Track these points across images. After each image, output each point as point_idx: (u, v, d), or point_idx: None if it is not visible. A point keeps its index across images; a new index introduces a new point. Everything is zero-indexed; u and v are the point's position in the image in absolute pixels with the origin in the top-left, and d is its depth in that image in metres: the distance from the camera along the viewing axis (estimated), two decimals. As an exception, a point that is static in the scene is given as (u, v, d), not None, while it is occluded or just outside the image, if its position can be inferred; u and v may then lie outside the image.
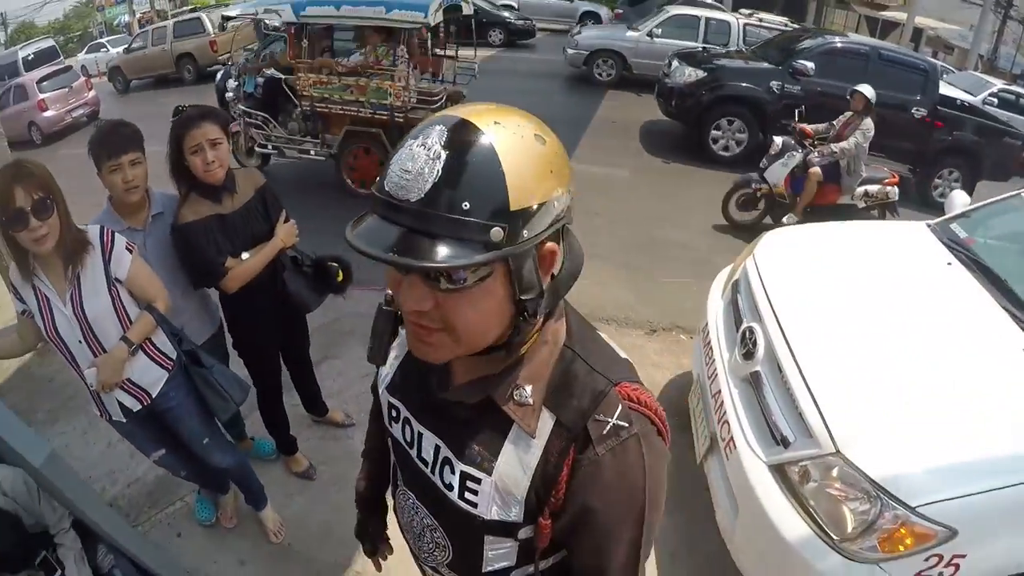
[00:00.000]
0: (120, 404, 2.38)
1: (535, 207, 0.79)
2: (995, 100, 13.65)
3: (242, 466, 2.86)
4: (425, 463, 1.07)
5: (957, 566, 2.05)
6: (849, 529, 2.13)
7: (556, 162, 0.83)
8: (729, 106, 8.98)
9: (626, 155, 9.37)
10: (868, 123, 6.45)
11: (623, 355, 1.04)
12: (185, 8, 28.48)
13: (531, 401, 0.93)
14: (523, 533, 1.01)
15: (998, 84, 14.52)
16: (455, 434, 1.01)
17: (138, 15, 32.79)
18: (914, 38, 29.25)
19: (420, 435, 1.07)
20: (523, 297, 0.85)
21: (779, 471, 2.40)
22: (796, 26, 14.65)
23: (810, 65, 8.49)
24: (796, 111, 6.97)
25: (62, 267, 2.14)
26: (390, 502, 1.38)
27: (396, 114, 6.73)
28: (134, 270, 2.28)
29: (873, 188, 6.68)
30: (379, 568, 1.69)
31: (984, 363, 2.53)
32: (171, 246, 2.58)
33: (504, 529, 1.00)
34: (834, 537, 2.15)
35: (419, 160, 0.77)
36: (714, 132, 9.07)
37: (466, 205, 0.76)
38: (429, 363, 0.95)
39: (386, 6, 6.42)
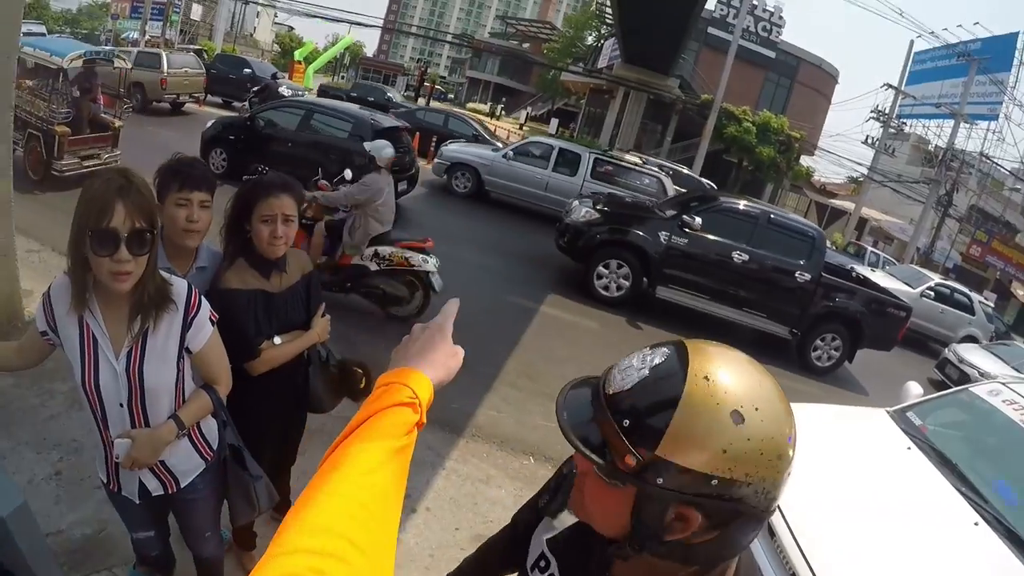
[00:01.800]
0: (141, 484, 2.08)
1: (683, 467, 0.79)
2: (932, 293, 14.39)
3: (222, 559, 2.63)
4: None
5: None
6: None
7: (740, 448, 0.79)
8: (616, 249, 9.18)
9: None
10: (369, 177, 6.11)
11: None
12: (192, 46, 30.54)
13: None
14: None
15: (935, 278, 15.37)
16: None
17: (147, 36, 34.34)
18: (859, 227, 31.58)
19: None
20: (637, 527, 0.86)
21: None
22: (643, 163, 15.78)
23: (698, 220, 8.79)
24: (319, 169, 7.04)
25: (127, 314, 1.81)
26: None
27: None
28: (211, 344, 2.00)
29: (386, 250, 6.27)
30: None
31: (942, 535, 3.00)
32: None
33: None
34: None
35: (631, 367, 0.87)
36: (602, 271, 9.23)
37: (626, 423, 0.82)
38: (598, 540, 0.98)
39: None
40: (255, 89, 19.69)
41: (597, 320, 8.71)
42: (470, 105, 49.76)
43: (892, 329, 9.31)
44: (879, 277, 13.72)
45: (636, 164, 15.03)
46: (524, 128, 40.09)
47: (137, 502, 2.13)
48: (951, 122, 28.78)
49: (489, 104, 52.76)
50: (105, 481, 2.13)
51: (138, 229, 1.65)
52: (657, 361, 0.85)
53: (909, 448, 3.67)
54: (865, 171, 30.50)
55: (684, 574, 0.92)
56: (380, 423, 0.82)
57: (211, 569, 2.58)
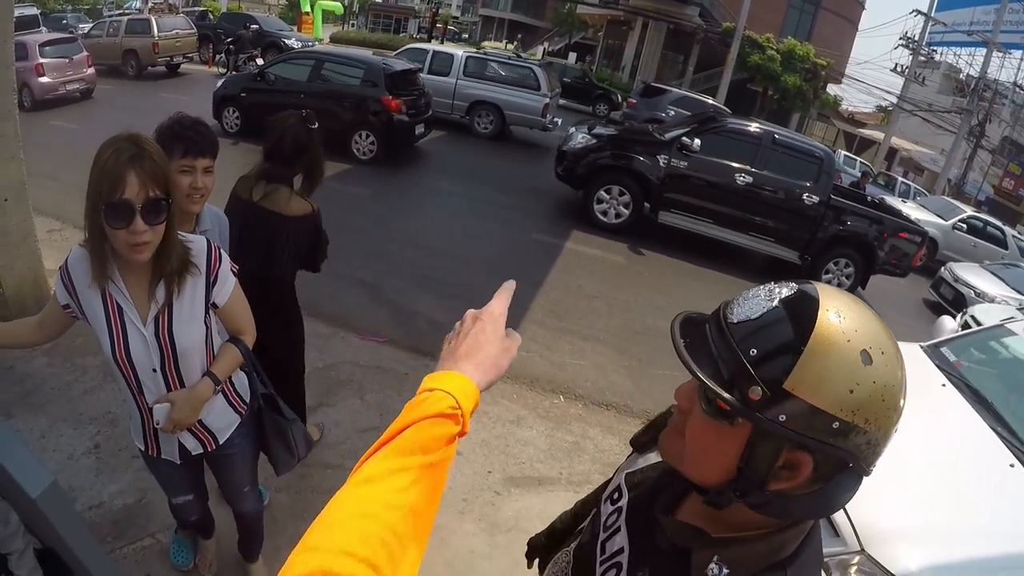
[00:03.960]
0: (180, 445, 2.10)
1: (808, 406, 0.75)
2: (964, 226, 13.93)
3: (261, 514, 2.66)
4: (602, 551, 1.07)
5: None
6: None
7: (866, 389, 0.75)
8: (614, 175, 9.12)
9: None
10: None
11: None
12: (197, 8, 30.25)
13: None
14: None
15: (968, 211, 14.95)
16: (643, 553, 0.99)
17: (150, 3, 33.72)
18: (888, 157, 30.71)
19: (618, 528, 1.06)
20: (744, 471, 0.82)
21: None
22: (520, 55, 15.94)
23: (697, 142, 8.62)
24: None
25: (149, 278, 1.79)
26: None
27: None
28: (235, 296, 1.99)
29: None
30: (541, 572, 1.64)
31: (978, 477, 2.95)
32: None
33: None
34: None
35: (758, 297, 0.83)
36: (603, 195, 9.19)
37: (754, 352, 0.78)
38: (671, 479, 1.00)
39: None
40: (229, 40, 19.88)
41: (598, 247, 8.63)
42: (485, 43, 48.69)
43: (907, 255, 8.94)
44: (910, 208, 13.34)
45: (510, 58, 15.19)
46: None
47: (178, 463, 2.14)
48: (983, 50, 27.22)
49: (504, 42, 51.72)
50: (143, 448, 2.14)
51: (153, 198, 1.61)
52: (786, 294, 0.82)
53: (944, 385, 3.56)
54: (894, 100, 29.47)
55: (762, 527, 0.87)
56: (418, 435, 0.78)
57: (251, 524, 2.65)
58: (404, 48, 16.37)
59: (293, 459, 2.40)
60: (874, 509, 2.58)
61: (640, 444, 1.18)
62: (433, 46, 16.51)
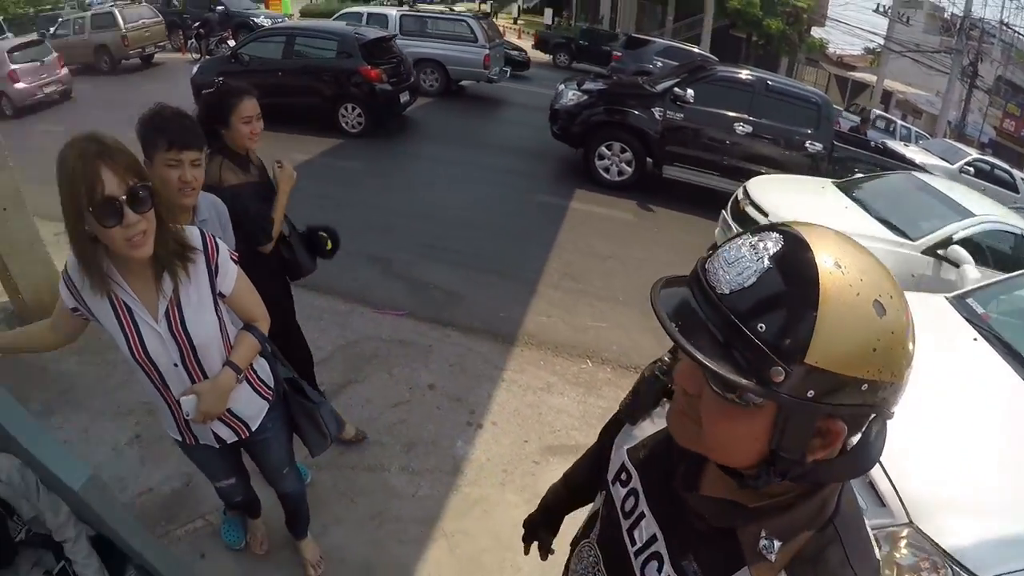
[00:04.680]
0: (215, 434, 2.14)
1: (834, 374, 0.69)
2: (971, 169, 13.79)
3: (304, 493, 2.69)
4: (632, 542, 1.00)
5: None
6: None
7: (886, 343, 0.70)
8: (611, 130, 8.93)
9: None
10: None
11: (877, 553, 0.98)
12: None
13: (774, 559, 0.81)
14: None
15: (973, 153, 14.85)
16: (681, 538, 0.92)
17: None
18: (883, 100, 30.45)
19: (642, 515, 1.00)
20: (778, 452, 0.75)
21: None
22: (452, 9, 16.28)
23: (690, 92, 8.46)
24: None
25: (152, 274, 1.76)
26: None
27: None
28: (241, 283, 1.97)
29: None
30: (543, 557, 1.62)
31: (1019, 439, 2.78)
32: None
33: None
34: None
35: (743, 259, 0.73)
36: (604, 151, 9.02)
37: (761, 327, 0.69)
38: (684, 450, 0.88)
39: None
40: (197, 25, 19.55)
41: (606, 206, 8.54)
42: (458, 6, 47.88)
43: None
44: (913, 152, 13.22)
45: (442, 12, 15.41)
46: (519, 23, 38.58)
47: (217, 447, 2.18)
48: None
49: (477, 2, 50.82)
50: (180, 439, 2.17)
51: (133, 187, 1.56)
52: (774, 249, 0.72)
53: (975, 340, 3.43)
54: (881, 41, 29.15)
55: (787, 492, 0.83)
56: None
57: (295, 504, 2.69)
58: (339, 13, 16.51)
59: (325, 440, 2.45)
60: (921, 480, 2.50)
61: (629, 414, 1.09)
62: (367, 8, 16.50)
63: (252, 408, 2.16)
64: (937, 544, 2.27)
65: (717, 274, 0.74)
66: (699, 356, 0.70)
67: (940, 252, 5.39)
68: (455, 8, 19.30)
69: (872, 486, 2.52)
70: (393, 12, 15.14)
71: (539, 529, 1.58)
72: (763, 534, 0.82)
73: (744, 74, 8.93)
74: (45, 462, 1.83)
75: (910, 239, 5.57)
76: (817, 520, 0.83)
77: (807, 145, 8.46)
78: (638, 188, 8.95)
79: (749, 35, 29.48)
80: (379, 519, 3.14)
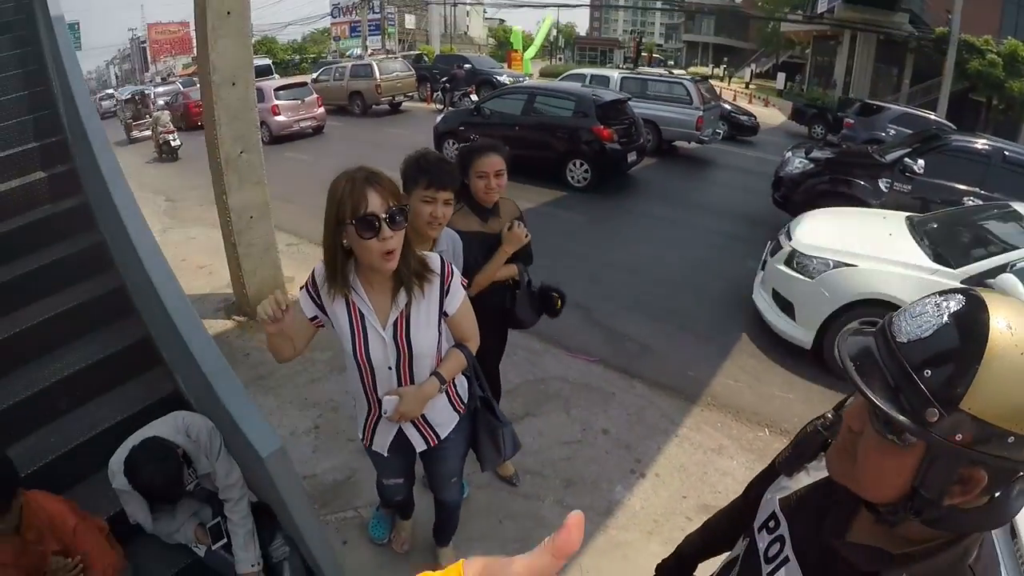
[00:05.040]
0: (395, 441, 2.34)
1: (984, 424, 0.75)
2: None
3: (459, 504, 2.88)
4: None
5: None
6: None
7: None
8: (833, 200, 8.30)
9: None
10: None
11: None
12: (412, 52, 33.34)
13: None
14: None
15: None
16: None
17: (370, 50, 38.76)
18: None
19: (786, 560, 1.06)
20: (918, 490, 0.82)
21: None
22: (671, 72, 16.02)
23: (920, 163, 8.00)
24: None
25: (391, 288, 2.02)
26: None
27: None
28: (464, 307, 2.18)
29: None
30: None
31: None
32: None
33: None
34: None
35: (927, 313, 0.82)
36: None
37: (927, 373, 0.78)
38: (836, 500, 1.00)
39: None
40: (444, 80, 21.59)
41: None
42: (691, 69, 48.08)
43: None
44: None
45: (661, 74, 15.52)
46: (750, 87, 38.08)
47: (385, 455, 2.40)
48: None
49: (711, 66, 50.82)
50: (360, 437, 2.44)
51: (394, 208, 1.81)
52: (955, 308, 0.80)
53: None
54: None
55: (932, 540, 0.88)
56: None
57: (450, 512, 2.89)
58: (566, 74, 17.51)
59: (499, 458, 2.57)
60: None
61: (787, 465, 1.17)
62: (591, 70, 17.58)
63: (443, 417, 2.36)
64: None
65: (900, 326, 0.83)
66: (868, 393, 0.81)
67: (988, 281, 4.91)
68: (674, 71, 19.68)
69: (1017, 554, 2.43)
70: (615, 74, 15.74)
71: (671, 574, 1.65)
72: None
73: (980, 144, 8.29)
74: (243, 427, 2.17)
75: (951, 268, 5.14)
76: (958, 568, 0.88)
77: None
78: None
79: (989, 99, 26.72)
80: (521, 543, 3.26)
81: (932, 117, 18.05)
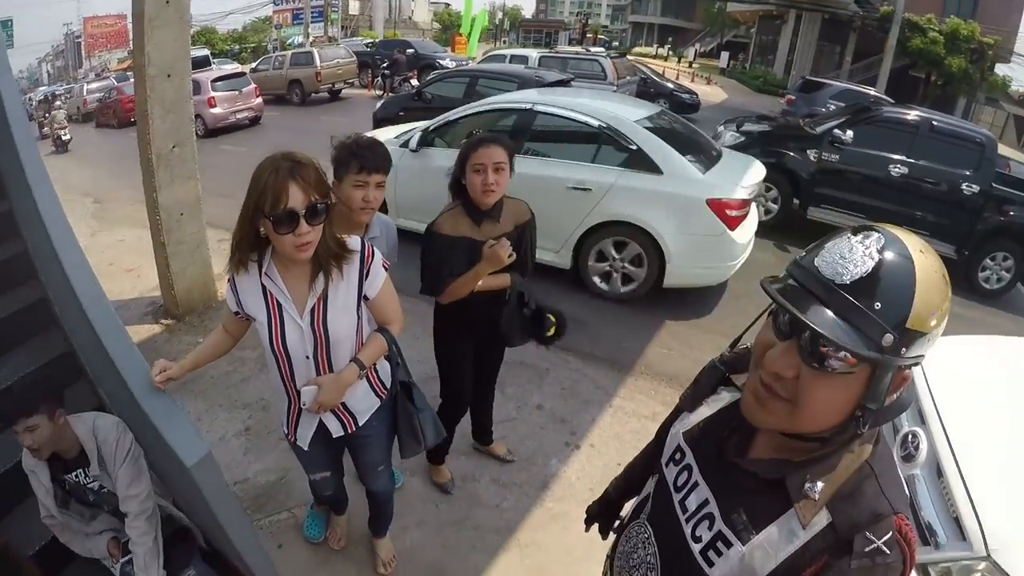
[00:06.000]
0: (317, 431, 2.28)
1: (923, 333, 0.90)
2: None
3: (391, 493, 2.81)
4: (684, 510, 1.16)
5: None
6: None
7: (947, 306, 0.93)
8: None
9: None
10: None
11: (907, 491, 1.19)
12: (356, 39, 33.17)
13: (817, 497, 0.97)
14: None
15: None
16: (730, 496, 1.08)
17: (311, 37, 38.22)
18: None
19: (695, 484, 1.15)
20: (867, 405, 0.93)
21: (921, 570, 2.52)
22: (585, 51, 17.17)
23: (849, 134, 8.16)
24: None
25: (308, 275, 1.96)
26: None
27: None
28: (385, 289, 2.12)
29: None
30: (604, 537, 1.75)
31: None
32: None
33: None
34: None
35: (856, 253, 0.91)
36: None
37: (878, 305, 0.88)
38: (735, 426, 1.12)
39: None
40: (384, 65, 21.38)
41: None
42: (636, 50, 48.33)
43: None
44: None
45: (578, 52, 16.45)
46: (694, 66, 38.41)
47: (306, 449, 2.33)
48: None
49: (655, 46, 51.16)
50: (285, 433, 2.36)
51: (313, 203, 1.76)
52: (876, 243, 0.91)
53: None
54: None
55: (834, 443, 0.99)
56: None
57: (381, 503, 2.82)
58: (485, 56, 18.25)
59: (419, 446, 2.47)
60: (1006, 514, 2.43)
61: (689, 401, 1.28)
62: (509, 50, 18.42)
63: (364, 404, 2.31)
64: None
65: (835, 268, 0.92)
66: (827, 333, 0.88)
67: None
68: (591, 49, 20.16)
69: (958, 521, 2.47)
70: (534, 53, 16.36)
71: (598, 516, 1.75)
72: (808, 478, 0.98)
73: (911, 115, 8.45)
74: (165, 434, 2.03)
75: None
76: (857, 462, 1.00)
77: (963, 187, 7.82)
78: (779, 228, 8.60)
79: (928, 75, 27.66)
80: (458, 526, 3.25)
81: (872, 93, 18.44)
